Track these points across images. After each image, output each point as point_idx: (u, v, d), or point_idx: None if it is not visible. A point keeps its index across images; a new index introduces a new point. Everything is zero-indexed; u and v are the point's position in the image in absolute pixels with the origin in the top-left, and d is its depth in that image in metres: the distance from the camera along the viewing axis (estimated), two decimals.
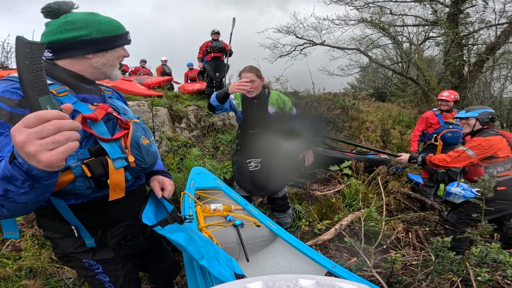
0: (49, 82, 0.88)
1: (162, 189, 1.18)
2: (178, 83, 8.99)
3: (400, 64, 12.42)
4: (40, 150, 0.57)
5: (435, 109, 3.80)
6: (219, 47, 6.66)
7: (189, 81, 9.03)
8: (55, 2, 0.95)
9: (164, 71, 9.61)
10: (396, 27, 11.33)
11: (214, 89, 6.70)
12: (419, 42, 11.61)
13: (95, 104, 0.98)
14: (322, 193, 3.19)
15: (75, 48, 0.95)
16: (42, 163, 0.59)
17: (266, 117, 2.40)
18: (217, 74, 6.51)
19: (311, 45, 11.69)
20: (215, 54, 6.62)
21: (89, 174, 0.88)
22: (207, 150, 4.74)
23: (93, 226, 1.02)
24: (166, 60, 9.91)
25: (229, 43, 6.48)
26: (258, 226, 2.09)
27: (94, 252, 1.06)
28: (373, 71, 13.64)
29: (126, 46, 1.09)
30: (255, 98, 2.39)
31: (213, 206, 2.10)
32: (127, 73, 9.32)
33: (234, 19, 6.37)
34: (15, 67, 5.37)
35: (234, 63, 6.43)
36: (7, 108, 0.81)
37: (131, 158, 0.96)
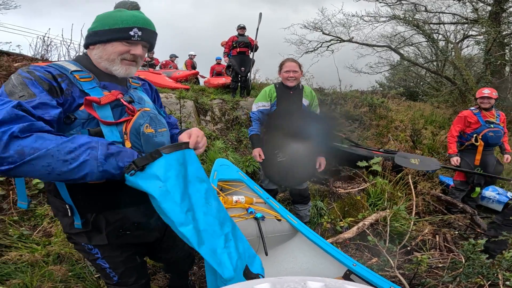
0: (75, 68, 0.98)
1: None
2: (204, 77, 9.12)
3: (434, 63, 11.77)
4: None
5: (472, 107, 3.54)
6: (245, 42, 6.65)
7: (214, 75, 9.15)
8: (120, 2, 1.08)
9: (193, 65, 9.82)
10: (431, 25, 10.75)
11: (239, 84, 6.72)
12: (457, 40, 10.94)
13: (112, 91, 1.02)
14: (346, 190, 3.08)
15: (87, 39, 1.05)
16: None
17: (300, 108, 2.46)
18: (242, 68, 6.51)
19: (338, 41, 11.39)
20: (240, 49, 6.62)
21: None
22: (230, 143, 4.76)
23: (85, 208, 1.03)
24: (195, 55, 10.10)
25: (255, 38, 6.46)
26: (279, 220, 2.06)
27: (89, 237, 1.07)
28: (404, 69, 13.04)
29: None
30: (292, 89, 2.45)
31: (235, 198, 2.09)
32: (157, 67, 9.60)
33: (260, 14, 6.34)
34: (55, 59, 5.69)
35: (259, 58, 6.42)
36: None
37: (128, 144, 0.97)
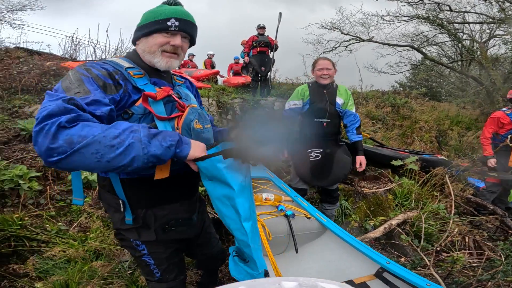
0: (128, 65, 1.02)
1: None
2: (222, 77, 9.20)
3: (460, 63, 11.37)
4: None
5: (504, 108, 3.44)
6: (265, 41, 6.65)
7: (232, 74, 9.21)
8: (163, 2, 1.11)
9: (212, 64, 9.93)
10: (455, 24, 10.39)
11: (259, 83, 6.73)
12: (483, 40, 10.52)
13: (162, 87, 1.05)
14: (371, 190, 3.04)
15: (134, 35, 1.09)
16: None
17: (334, 107, 2.46)
18: (263, 68, 6.52)
19: (358, 41, 11.19)
20: (261, 49, 6.62)
21: None
22: None
23: (137, 204, 1.06)
24: (213, 54, 10.21)
25: (275, 38, 6.45)
26: (308, 218, 2.06)
27: (138, 232, 1.10)
28: (426, 69, 12.65)
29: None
30: (325, 88, 2.46)
31: (264, 196, 2.10)
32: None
33: (280, 14, 6.33)
34: (83, 59, 5.91)
35: (278, 58, 6.42)
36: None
37: None
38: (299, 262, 1.86)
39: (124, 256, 2.06)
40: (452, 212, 2.35)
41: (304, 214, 2.07)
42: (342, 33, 11.20)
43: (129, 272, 1.96)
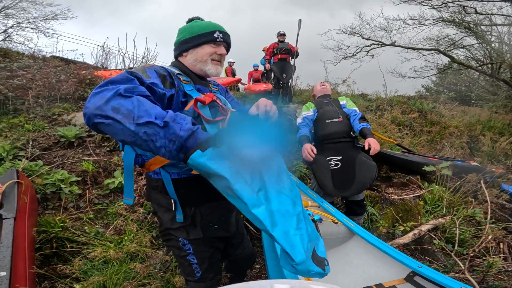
0: (177, 71, 1.14)
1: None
2: (243, 84, 9.35)
3: (489, 65, 10.86)
4: None
5: None
6: (286, 48, 6.71)
7: (252, 82, 9.34)
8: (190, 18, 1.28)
9: (233, 72, 10.13)
10: (482, 27, 9.97)
11: (281, 90, 6.78)
12: None
13: (205, 93, 1.15)
14: (400, 197, 2.97)
15: (179, 48, 1.22)
16: None
17: (341, 108, 2.63)
18: (284, 75, 6.57)
19: (380, 46, 10.99)
20: (281, 56, 6.69)
21: None
22: None
23: (187, 202, 1.14)
24: (234, 62, 10.42)
25: (296, 45, 6.49)
26: (336, 223, 2.06)
27: (187, 231, 1.17)
28: (454, 73, 12.18)
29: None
30: (327, 98, 2.77)
31: None
32: None
33: (300, 20, 6.37)
34: (113, 68, 6.23)
35: (299, 64, 6.43)
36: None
37: None
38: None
39: (156, 259, 2.12)
40: (488, 217, 2.25)
41: (331, 219, 2.07)
42: (362, 38, 11.03)
43: (159, 274, 2.03)
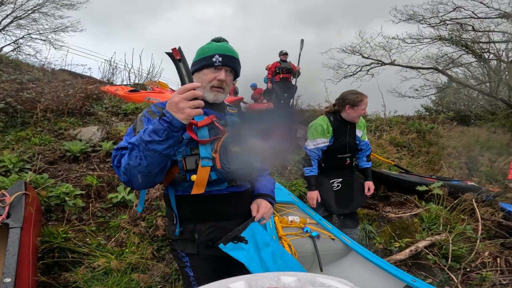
0: None
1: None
2: (245, 103, 9.51)
3: (488, 84, 10.99)
4: (186, 106, 0.90)
5: None
6: (287, 68, 6.87)
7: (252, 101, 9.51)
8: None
9: (235, 90, 10.32)
10: (480, 44, 10.17)
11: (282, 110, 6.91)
12: (510, 59, 10.21)
13: (209, 116, 1.15)
14: (397, 215, 3.01)
15: (191, 70, 1.21)
16: (184, 115, 0.90)
17: (355, 141, 2.52)
18: (285, 94, 6.71)
19: (379, 65, 11.18)
20: (283, 75, 6.85)
21: (185, 168, 1.09)
22: (275, 168, 4.85)
23: (186, 218, 1.20)
24: (236, 80, 10.62)
25: (297, 64, 6.64)
26: (333, 239, 2.12)
27: (184, 245, 1.22)
28: (453, 92, 12.29)
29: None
30: (349, 124, 2.44)
31: (290, 218, 2.21)
32: None
33: (302, 40, 6.54)
34: (118, 83, 6.39)
35: (301, 84, 6.51)
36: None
37: (217, 158, 1.09)
38: None
39: (157, 271, 2.16)
40: (479, 233, 2.30)
41: (329, 236, 2.13)
42: (363, 57, 11.16)
43: (159, 287, 2.06)
